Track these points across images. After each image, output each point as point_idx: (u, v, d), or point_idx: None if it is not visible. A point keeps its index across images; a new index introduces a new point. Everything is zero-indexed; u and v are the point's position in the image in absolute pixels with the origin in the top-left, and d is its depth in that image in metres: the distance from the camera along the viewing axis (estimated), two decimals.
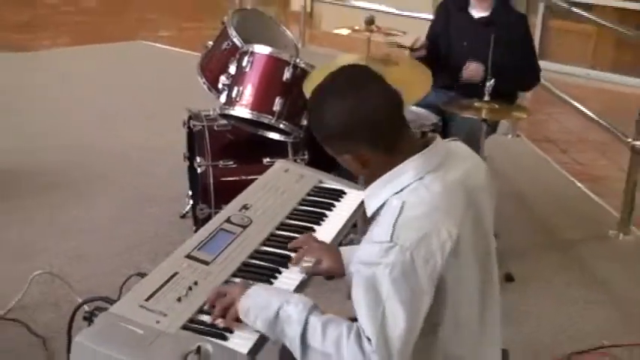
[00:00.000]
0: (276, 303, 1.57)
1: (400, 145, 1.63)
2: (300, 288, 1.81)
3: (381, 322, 1.47)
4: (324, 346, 1.51)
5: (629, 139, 3.98)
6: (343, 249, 1.97)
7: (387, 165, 1.63)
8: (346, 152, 1.63)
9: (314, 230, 2.06)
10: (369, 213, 1.69)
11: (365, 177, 1.73)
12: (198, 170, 3.38)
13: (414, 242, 1.49)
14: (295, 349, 1.55)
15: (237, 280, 1.77)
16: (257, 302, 1.59)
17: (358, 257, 1.58)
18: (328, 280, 3.25)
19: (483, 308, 1.68)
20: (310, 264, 1.88)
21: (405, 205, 1.54)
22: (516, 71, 3.47)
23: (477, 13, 3.62)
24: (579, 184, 4.68)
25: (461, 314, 1.61)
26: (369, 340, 1.47)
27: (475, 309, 1.66)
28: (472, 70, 3.45)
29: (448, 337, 1.61)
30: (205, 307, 1.66)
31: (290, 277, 1.84)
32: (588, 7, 6.59)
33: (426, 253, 1.50)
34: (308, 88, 3.15)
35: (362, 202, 2.22)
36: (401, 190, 1.60)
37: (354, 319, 1.53)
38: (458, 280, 1.57)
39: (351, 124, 1.59)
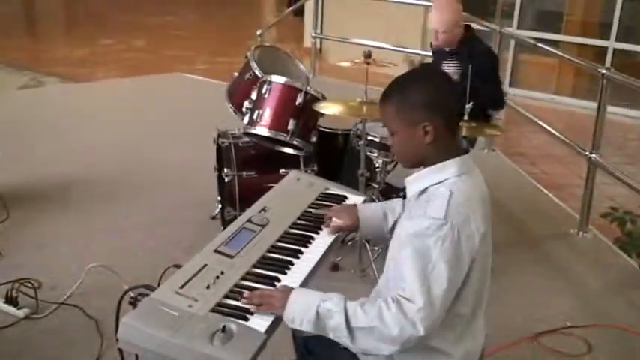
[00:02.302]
0: (314, 304, 1.56)
1: (456, 133, 1.73)
2: (307, 279, 1.79)
3: (430, 282, 1.50)
4: (368, 322, 1.51)
5: (587, 153, 3.96)
6: (360, 205, 2.05)
7: (445, 146, 1.66)
8: (424, 120, 1.63)
9: (320, 229, 2.05)
10: (409, 194, 1.72)
11: (412, 162, 1.72)
12: (226, 179, 3.38)
13: (460, 223, 1.56)
14: (343, 337, 1.53)
15: (258, 270, 1.77)
16: (298, 308, 1.57)
17: (407, 232, 1.59)
18: (333, 271, 3.28)
19: (483, 283, 1.70)
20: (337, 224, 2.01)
21: (453, 194, 1.59)
22: (485, 95, 3.39)
23: (448, 47, 3.62)
24: (545, 191, 4.65)
25: (473, 281, 1.63)
26: (410, 301, 1.48)
27: (481, 279, 1.67)
28: None
29: (462, 296, 1.61)
30: (242, 298, 1.62)
31: (300, 269, 1.83)
32: (553, 43, 6.60)
33: (468, 233, 1.57)
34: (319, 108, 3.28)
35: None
36: (442, 182, 1.63)
37: None
38: (480, 257, 1.61)
39: (435, 98, 1.65)
